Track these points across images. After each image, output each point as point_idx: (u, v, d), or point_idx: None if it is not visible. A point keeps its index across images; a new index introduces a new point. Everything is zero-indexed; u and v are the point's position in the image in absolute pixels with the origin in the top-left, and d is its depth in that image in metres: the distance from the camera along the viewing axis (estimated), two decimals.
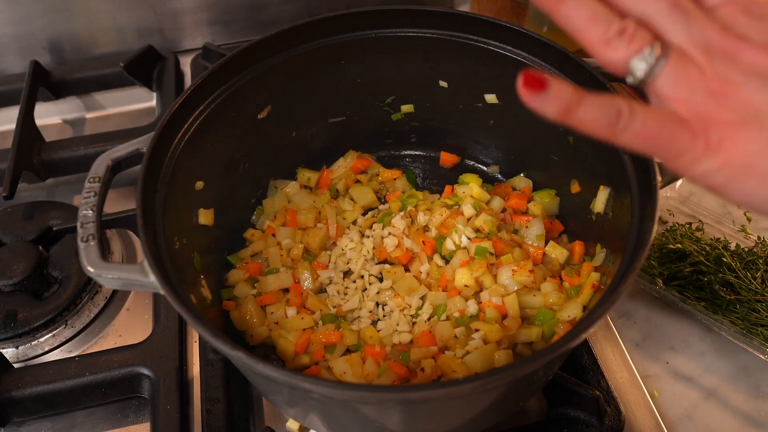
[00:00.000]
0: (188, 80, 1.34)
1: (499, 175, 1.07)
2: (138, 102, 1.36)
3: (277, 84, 0.93)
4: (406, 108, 1.04)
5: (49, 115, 1.33)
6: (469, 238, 0.92)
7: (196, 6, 1.35)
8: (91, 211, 0.70)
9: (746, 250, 0.98)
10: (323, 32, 0.92)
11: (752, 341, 0.91)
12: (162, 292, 0.64)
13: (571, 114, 0.48)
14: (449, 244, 0.93)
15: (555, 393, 0.86)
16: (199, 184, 0.86)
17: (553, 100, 0.48)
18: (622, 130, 0.48)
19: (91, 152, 1.17)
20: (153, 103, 1.35)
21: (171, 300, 0.62)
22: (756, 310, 0.91)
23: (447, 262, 0.94)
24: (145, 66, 1.30)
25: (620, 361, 0.91)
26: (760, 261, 0.95)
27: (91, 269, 0.66)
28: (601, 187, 0.84)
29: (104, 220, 1.02)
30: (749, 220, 1.07)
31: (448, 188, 1.03)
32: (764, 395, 0.89)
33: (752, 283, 0.92)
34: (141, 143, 0.76)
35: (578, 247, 0.91)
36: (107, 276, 0.65)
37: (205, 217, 0.88)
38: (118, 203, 1.15)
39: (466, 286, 0.88)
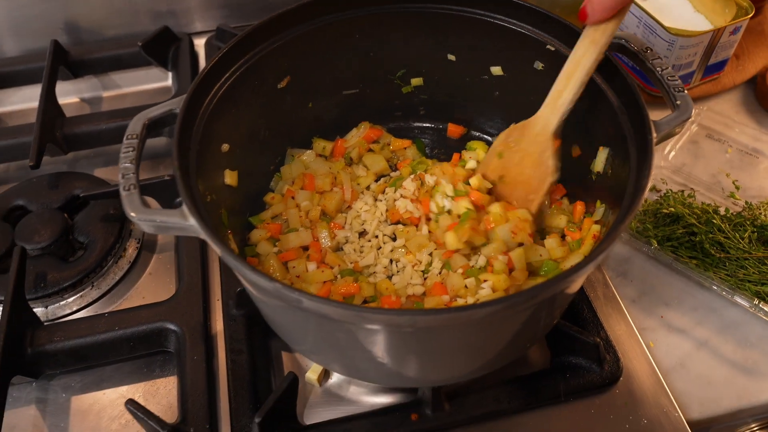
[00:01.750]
0: (202, 60, 1.39)
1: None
2: (153, 82, 1.41)
3: (296, 56, 0.98)
4: (416, 81, 1.10)
5: (68, 94, 1.37)
6: (450, 197, 0.96)
7: None
8: (131, 164, 0.75)
9: (735, 214, 1.04)
10: (339, 6, 0.98)
11: (741, 296, 0.97)
12: (202, 235, 0.69)
13: None
14: (433, 207, 0.98)
15: (558, 342, 0.92)
16: (225, 147, 0.92)
17: None
18: None
19: (111, 126, 1.22)
20: (167, 82, 1.40)
21: (211, 240, 0.68)
22: (744, 267, 0.98)
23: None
24: (162, 46, 1.35)
25: (618, 316, 0.98)
26: (748, 223, 1.02)
27: (134, 214, 0.71)
28: (601, 148, 0.90)
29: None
30: (737, 188, 1.13)
31: (455, 156, 1.09)
32: (752, 345, 0.96)
33: (740, 242, 0.99)
34: (174, 104, 0.82)
35: (579, 206, 0.97)
36: (149, 220, 0.71)
37: (231, 177, 0.93)
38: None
39: (457, 250, 0.93)
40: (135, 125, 0.79)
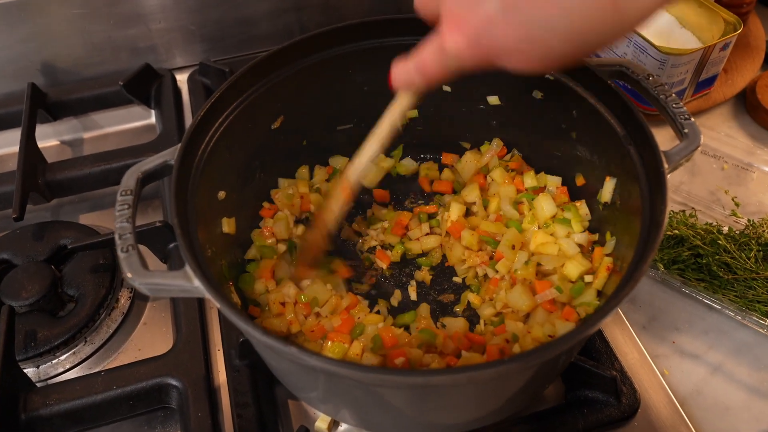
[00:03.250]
0: (185, 97, 1.35)
1: None
2: (135, 120, 1.37)
3: (289, 95, 0.96)
4: (411, 113, 1.07)
5: (47, 137, 1.33)
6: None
7: (189, 24, 1.37)
8: (127, 223, 0.71)
9: (738, 232, 1.04)
10: (332, 43, 0.95)
11: (751, 317, 0.96)
12: (207, 296, 0.66)
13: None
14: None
15: (573, 376, 0.90)
16: (222, 194, 0.88)
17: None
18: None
19: (95, 171, 1.18)
20: (151, 120, 1.36)
21: (219, 303, 0.64)
22: (752, 288, 0.97)
23: None
24: (144, 84, 1.31)
25: (630, 344, 0.96)
26: (753, 242, 1.01)
27: (134, 278, 0.67)
28: (608, 178, 0.88)
29: (110, 239, 1.03)
30: (737, 204, 1.13)
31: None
32: (765, 367, 0.95)
33: (747, 263, 0.98)
34: (168, 155, 0.78)
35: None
36: (151, 284, 0.67)
37: (228, 225, 0.90)
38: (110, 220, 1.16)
39: None
40: (128, 180, 0.76)
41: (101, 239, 1.04)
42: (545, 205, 0.97)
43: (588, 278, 0.89)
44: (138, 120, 1.37)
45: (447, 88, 1.03)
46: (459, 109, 1.05)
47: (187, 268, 0.67)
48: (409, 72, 0.71)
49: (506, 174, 1.04)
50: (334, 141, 1.07)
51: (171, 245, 1.05)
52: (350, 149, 1.09)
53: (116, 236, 0.70)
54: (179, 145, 0.78)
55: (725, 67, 1.31)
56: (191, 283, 0.66)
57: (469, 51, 0.62)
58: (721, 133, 1.25)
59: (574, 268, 0.89)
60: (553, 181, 1.00)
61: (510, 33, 0.58)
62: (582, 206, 0.95)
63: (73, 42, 1.33)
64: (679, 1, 1.25)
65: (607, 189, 0.88)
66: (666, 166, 0.74)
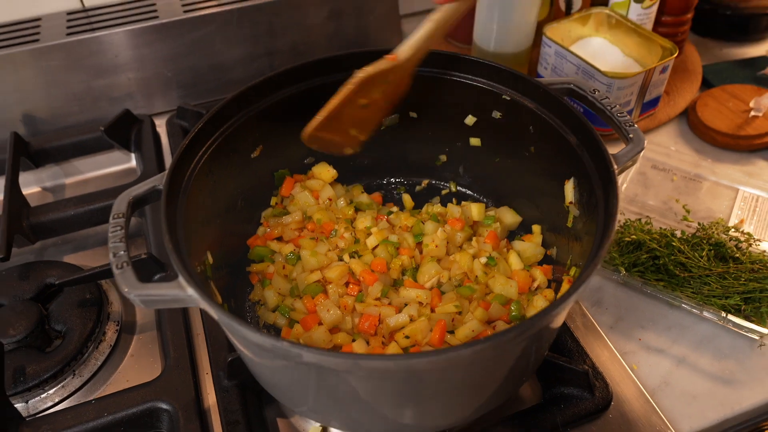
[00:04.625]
0: (165, 140, 1.41)
1: (462, 188, 1.20)
2: (115, 165, 1.41)
3: (266, 126, 1.02)
4: (391, 120, 1.13)
5: (30, 184, 1.36)
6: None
7: (166, 71, 1.44)
8: (120, 242, 0.76)
9: (690, 235, 1.12)
10: (304, 76, 1.03)
11: (708, 311, 1.03)
12: (201, 304, 0.70)
13: None
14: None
15: (548, 374, 0.95)
16: (209, 215, 0.94)
17: None
18: None
19: (78, 212, 1.21)
20: (131, 164, 1.41)
21: (212, 309, 0.69)
22: (707, 284, 1.04)
23: None
24: (124, 129, 1.37)
25: (600, 343, 1.02)
26: (704, 242, 1.09)
27: (130, 291, 0.71)
28: (566, 182, 0.95)
29: (96, 273, 1.07)
30: (688, 211, 1.22)
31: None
32: (725, 356, 1.01)
33: (700, 261, 1.06)
34: (156, 181, 0.83)
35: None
36: (147, 295, 0.71)
37: (211, 257, 0.94)
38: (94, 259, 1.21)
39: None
40: (120, 204, 0.80)
41: (87, 273, 1.07)
42: (474, 208, 1.10)
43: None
44: (118, 164, 1.41)
45: (413, 114, 1.11)
46: (425, 134, 1.13)
47: (181, 279, 0.71)
48: None
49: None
50: (310, 168, 1.14)
51: (157, 276, 1.09)
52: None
53: (111, 255, 0.74)
54: (166, 171, 0.83)
55: (667, 89, 1.43)
56: (185, 292, 0.71)
57: None
58: (668, 148, 1.35)
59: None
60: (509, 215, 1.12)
61: None
62: (536, 235, 1.08)
63: (53, 93, 1.38)
64: (620, 32, 1.37)
65: (569, 190, 0.95)
66: (615, 166, 0.82)
